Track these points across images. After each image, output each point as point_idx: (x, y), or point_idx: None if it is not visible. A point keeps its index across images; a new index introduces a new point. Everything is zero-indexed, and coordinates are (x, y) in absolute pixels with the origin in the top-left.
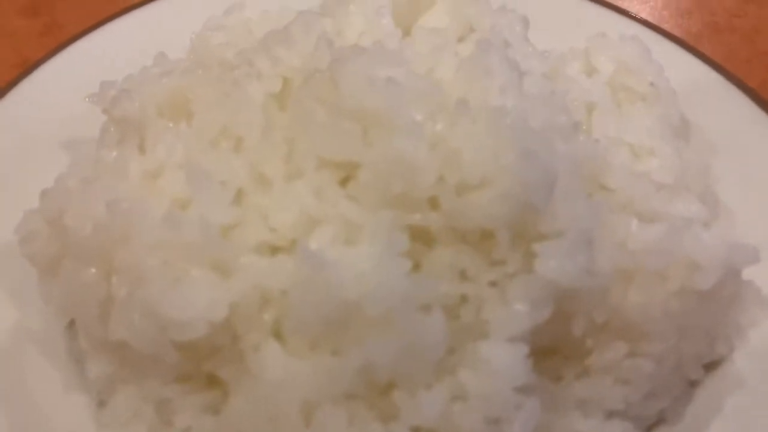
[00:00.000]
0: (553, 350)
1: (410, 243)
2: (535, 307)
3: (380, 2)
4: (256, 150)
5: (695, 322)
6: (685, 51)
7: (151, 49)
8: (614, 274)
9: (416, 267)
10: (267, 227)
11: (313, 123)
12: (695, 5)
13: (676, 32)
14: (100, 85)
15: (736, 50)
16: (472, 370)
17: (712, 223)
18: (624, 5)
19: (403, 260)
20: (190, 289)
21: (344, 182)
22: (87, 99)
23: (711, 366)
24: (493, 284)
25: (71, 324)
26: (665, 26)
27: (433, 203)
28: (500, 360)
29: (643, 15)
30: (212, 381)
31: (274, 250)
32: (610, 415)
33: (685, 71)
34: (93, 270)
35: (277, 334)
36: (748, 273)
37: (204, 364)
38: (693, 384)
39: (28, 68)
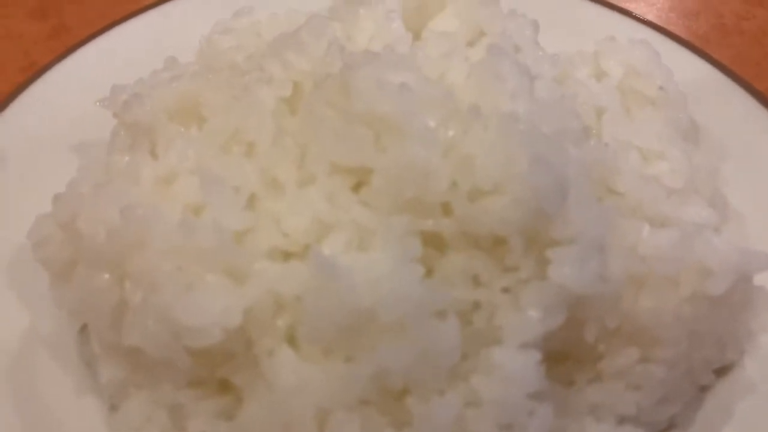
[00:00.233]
0: (565, 355)
1: (423, 248)
2: (548, 313)
3: (390, 6)
4: (268, 155)
5: (706, 328)
6: (692, 53)
7: (160, 52)
8: (626, 279)
9: (429, 273)
10: (280, 232)
11: (325, 128)
12: (702, 7)
13: (683, 34)
14: (111, 89)
15: (744, 53)
16: (485, 376)
17: (722, 227)
18: (630, 7)
19: (416, 266)
20: (204, 295)
21: (357, 188)
22: (98, 103)
23: (721, 371)
24: (506, 290)
25: (83, 328)
26: (672, 28)
27: (446, 209)
28: (513, 366)
29: (650, 17)
30: (225, 386)
31: (287, 255)
32: (622, 420)
33: (694, 74)
34: (106, 275)
35: (291, 340)
36: (759, 278)
37: (217, 369)
38: (703, 389)
39: (37, 71)
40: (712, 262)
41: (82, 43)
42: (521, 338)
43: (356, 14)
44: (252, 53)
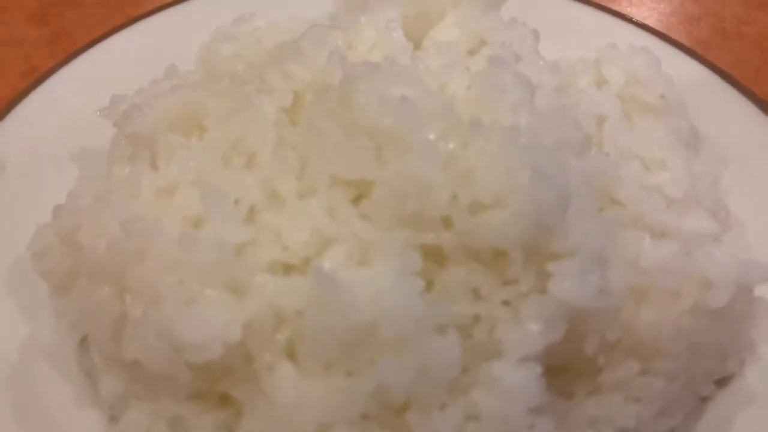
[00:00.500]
0: (565, 367)
1: (423, 262)
2: (549, 326)
3: (390, 15)
4: (269, 166)
5: (707, 340)
6: (693, 59)
7: (161, 58)
8: (626, 292)
9: (429, 286)
10: (280, 245)
11: (325, 141)
12: (703, 12)
13: (684, 39)
14: (111, 98)
15: (745, 57)
16: (485, 390)
17: (723, 236)
18: (632, 12)
19: (417, 280)
20: (204, 309)
21: (357, 200)
22: (98, 113)
23: (722, 382)
24: (506, 303)
25: (84, 339)
26: (673, 33)
27: (446, 222)
28: (513, 380)
29: (651, 22)
30: (226, 399)
31: (288, 268)
32: None
33: (694, 80)
34: (107, 288)
35: (291, 355)
36: (759, 288)
37: (217, 383)
38: (704, 400)
39: (37, 78)
40: (713, 274)
41: (83, 49)
42: (521, 352)
43: (357, 23)
44: (252, 61)
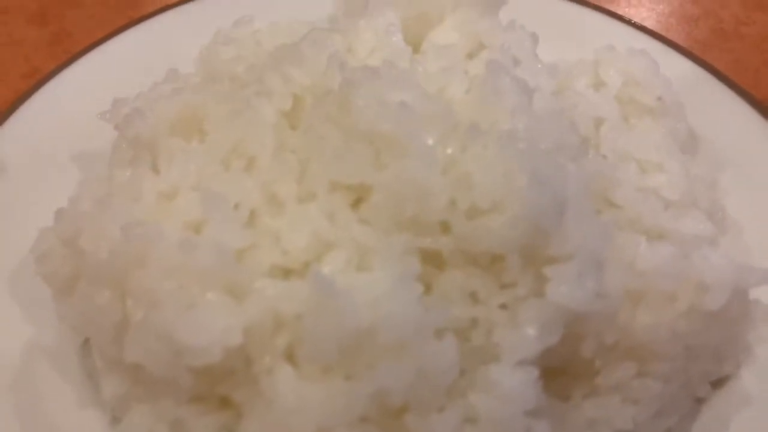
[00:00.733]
0: (562, 370)
1: (421, 266)
2: (546, 330)
3: (390, 18)
4: (269, 170)
5: (703, 342)
6: (691, 61)
7: (162, 60)
8: (623, 295)
9: (427, 289)
10: (280, 249)
11: (325, 145)
12: (702, 12)
13: (683, 40)
14: (113, 102)
15: (743, 59)
16: (482, 394)
17: (720, 238)
18: (630, 13)
19: (415, 284)
20: (205, 314)
21: (356, 204)
22: (99, 116)
23: (718, 383)
24: (503, 307)
25: (86, 341)
26: (672, 33)
27: (444, 227)
28: (511, 383)
29: (650, 22)
30: (226, 402)
31: (287, 272)
32: None
33: (692, 82)
34: (108, 292)
35: (291, 358)
36: (755, 290)
37: (218, 386)
38: (699, 401)
39: (38, 81)
40: (710, 278)
41: (84, 51)
42: (518, 355)
43: (356, 27)
44: (252, 64)
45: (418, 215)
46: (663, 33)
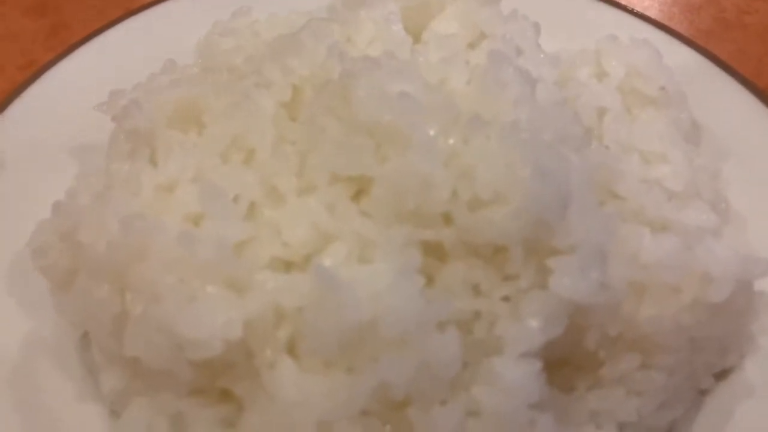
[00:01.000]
0: (566, 361)
1: (423, 258)
2: (549, 323)
3: (390, 8)
4: (268, 163)
5: (707, 334)
6: (694, 50)
7: (160, 51)
8: (627, 287)
9: (429, 282)
10: (280, 242)
11: (325, 137)
12: (705, 1)
13: (686, 29)
14: (109, 94)
15: (746, 48)
16: (486, 387)
17: (723, 229)
18: (633, 2)
19: (417, 277)
20: (205, 307)
21: (357, 195)
22: (96, 108)
23: (721, 374)
24: (506, 299)
25: (85, 334)
26: (674, 22)
27: (446, 218)
28: (514, 376)
29: (652, 11)
30: (227, 394)
31: (288, 265)
32: (623, 427)
33: (695, 71)
34: (106, 286)
35: (292, 351)
36: (759, 282)
37: (218, 379)
38: (703, 392)
39: (35, 72)
40: (713, 270)
41: (81, 42)
42: (521, 348)
43: (356, 16)
44: (251, 55)
45: (420, 207)
46: (666, 22)
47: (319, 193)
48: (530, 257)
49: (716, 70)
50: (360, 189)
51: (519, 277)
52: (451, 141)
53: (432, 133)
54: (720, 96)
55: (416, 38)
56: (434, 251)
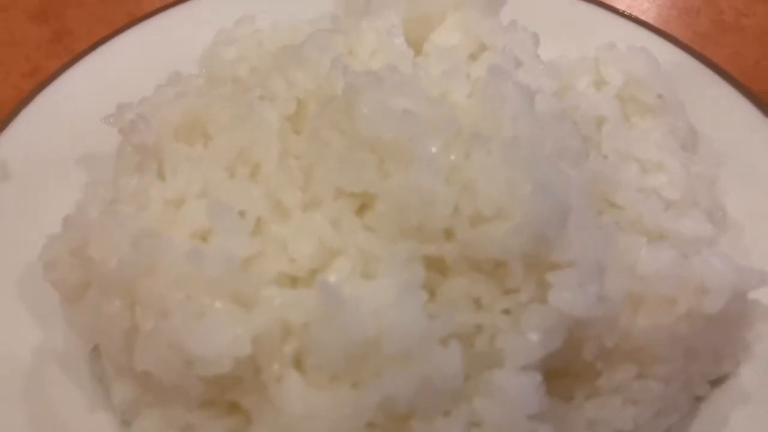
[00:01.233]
0: (564, 371)
1: (426, 272)
2: (548, 336)
3: (392, 20)
4: (274, 177)
5: (702, 343)
6: (690, 56)
7: (164, 60)
8: (624, 299)
9: (431, 295)
10: (286, 257)
11: (329, 153)
12: (703, 4)
13: (684, 32)
14: (117, 107)
15: (743, 51)
16: (487, 398)
17: (720, 236)
18: (632, 4)
19: (420, 292)
20: (214, 323)
21: (361, 210)
22: (103, 121)
23: (716, 381)
24: (506, 312)
25: (95, 346)
26: (672, 25)
27: (448, 234)
28: (514, 388)
29: (651, 14)
30: (235, 406)
31: (294, 280)
32: None
33: (691, 77)
34: (117, 302)
35: (299, 365)
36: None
37: (227, 393)
38: (699, 399)
39: (42, 82)
40: (709, 281)
41: (86, 52)
42: (522, 360)
43: (359, 28)
44: (255, 66)
45: (423, 223)
46: (664, 25)
47: (323, 208)
48: (530, 272)
49: (711, 74)
50: (364, 203)
51: (519, 290)
52: (452, 157)
53: (434, 149)
54: (715, 101)
55: (418, 49)
56: (436, 265)
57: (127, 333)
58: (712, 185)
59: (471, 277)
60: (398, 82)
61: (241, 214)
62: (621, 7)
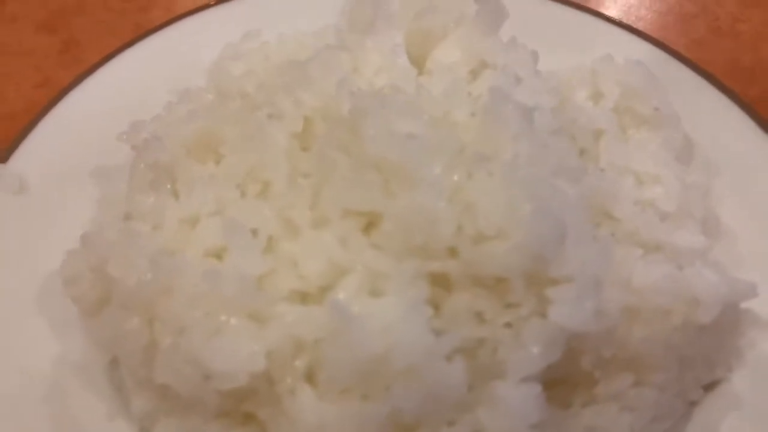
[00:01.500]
0: (563, 380)
1: (430, 288)
2: (548, 349)
3: (395, 39)
4: (283, 196)
5: (696, 352)
6: (683, 65)
7: (175, 72)
8: (621, 312)
9: (436, 310)
10: (296, 275)
11: (336, 173)
12: (699, 9)
13: (680, 38)
14: (130, 125)
15: (738, 57)
16: (489, 408)
17: (714, 246)
18: (629, 11)
19: (425, 308)
20: (230, 340)
21: (367, 228)
22: (117, 138)
23: (710, 386)
24: (508, 325)
25: (114, 357)
26: (669, 32)
27: (452, 252)
28: (516, 399)
29: (648, 20)
30: (250, 417)
31: (304, 296)
32: None
33: (684, 86)
34: (136, 319)
35: (311, 379)
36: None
37: (243, 404)
38: (692, 404)
39: (56, 96)
40: (702, 293)
41: (97, 65)
42: (523, 372)
43: (363, 46)
44: (262, 81)
45: (427, 241)
46: (660, 31)
47: (332, 227)
48: (530, 287)
49: (706, 84)
50: (370, 222)
51: (520, 305)
52: (455, 177)
53: (437, 170)
54: (710, 111)
55: (420, 65)
56: (440, 281)
57: (145, 348)
58: (706, 195)
59: (474, 292)
60: (402, 104)
61: (254, 232)
62: (617, 14)
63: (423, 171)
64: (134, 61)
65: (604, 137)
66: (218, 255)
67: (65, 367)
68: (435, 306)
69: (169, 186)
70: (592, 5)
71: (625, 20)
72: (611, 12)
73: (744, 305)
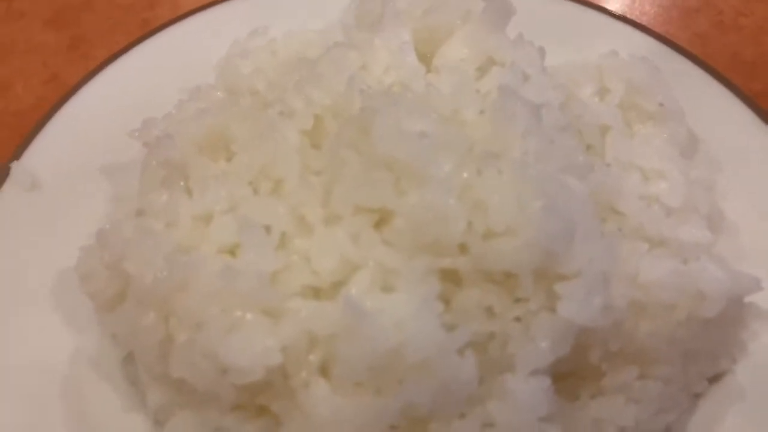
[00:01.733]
0: (570, 373)
1: (441, 283)
2: (557, 343)
3: (403, 36)
4: (295, 193)
5: (700, 345)
6: (688, 60)
7: (184, 69)
8: (627, 307)
9: (447, 305)
10: (309, 270)
11: (347, 171)
12: (703, 3)
13: (683, 32)
14: (142, 122)
15: (741, 51)
16: (499, 401)
17: (718, 240)
18: (632, 5)
19: (436, 304)
20: (246, 336)
21: (379, 224)
22: (128, 135)
23: (714, 378)
24: (517, 320)
25: (129, 352)
26: (672, 26)
27: (462, 248)
28: (525, 392)
29: (651, 15)
30: (264, 410)
31: (317, 292)
32: (622, 431)
33: (688, 80)
34: (152, 314)
35: (325, 373)
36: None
37: (257, 397)
38: (697, 396)
39: (66, 94)
40: (707, 288)
41: (107, 62)
42: (532, 366)
43: (372, 44)
44: (272, 79)
45: (438, 238)
46: (663, 26)
47: (343, 223)
48: (539, 282)
49: (710, 79)
50: (382, 218)
51: (529, 300)
52: (465, 174)
53: (447, 168)
54: (714, 106)
55: (428, 62)
56: (451, 277)
57: (161, 343)
58: (710, 189)
59: (484, 287)
60: (412, 102)
61: (267, 229)
62: (621, 9)
63: (433, 169)
64: (142, 59)
65: (610, 133)
66: (232, 252)
67: (81, 361)
68: (446, 301)
69: (182, 183)
70: (596, 0)
71: (628, 15)
72: (615, 7)
73: (747, 299)
